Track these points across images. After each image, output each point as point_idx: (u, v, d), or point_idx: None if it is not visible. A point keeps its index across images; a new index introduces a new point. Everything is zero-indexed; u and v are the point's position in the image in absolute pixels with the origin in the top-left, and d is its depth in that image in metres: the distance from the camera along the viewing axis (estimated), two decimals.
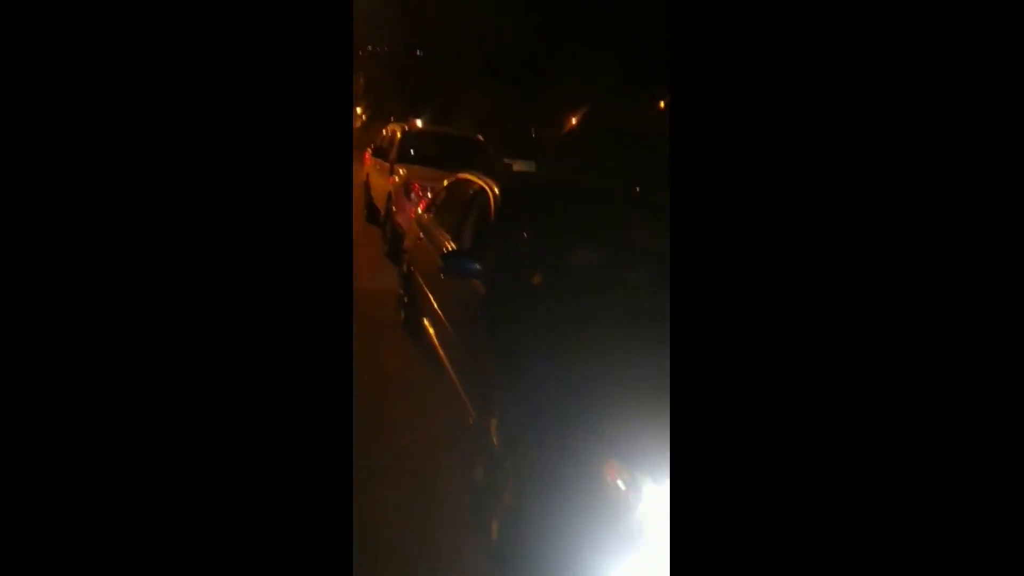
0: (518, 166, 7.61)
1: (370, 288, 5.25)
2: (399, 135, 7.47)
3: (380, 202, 7.26)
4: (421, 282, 3.71)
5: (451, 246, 3.11)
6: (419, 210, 4.72)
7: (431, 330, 3.53)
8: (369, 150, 8.61)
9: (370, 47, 34.88)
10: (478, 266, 2.66)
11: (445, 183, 4.30)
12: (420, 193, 5.89)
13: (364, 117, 37.31)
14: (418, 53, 30.42)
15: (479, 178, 3.55)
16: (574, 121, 21.17)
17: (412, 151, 7.17)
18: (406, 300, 4.19)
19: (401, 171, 6.47)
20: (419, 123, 8.28)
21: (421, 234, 4.02)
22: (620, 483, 1.52)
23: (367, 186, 8.42)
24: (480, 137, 7.97)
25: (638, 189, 3.99)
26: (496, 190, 3.21)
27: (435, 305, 3.32)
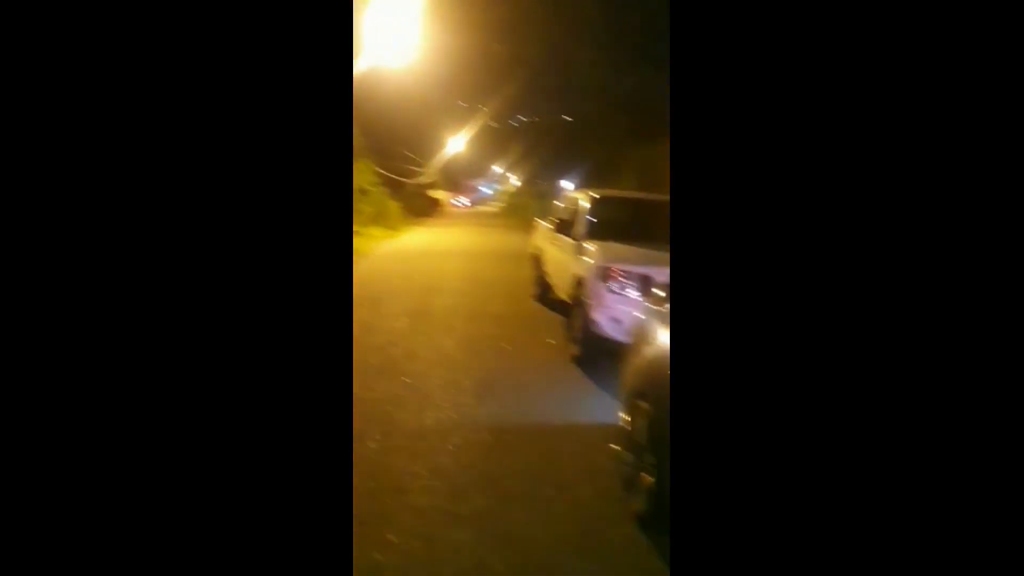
0: None
1: (560, 420, 3.70)
2: (585, 203, 5.92)
3: (559, 283, 5.84)
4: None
5: None
6: (642, 315, 3.13)
7: None
8: (541, 221, 7.35)
9: (523, 117, 35.66)
10: None
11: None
12: (624, 281, 4.35)
13: (519, 184, 37.89)
14: (565, 118, 30.26)
15: None
16: None
17: (597, 220, 5.65)
18: (639, 472, 2.57)
19: (591, 248, 4.97)
20: (569, 185, 6.89)
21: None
22: None
23: (538, 261, 7.12)
24: None
25: None
26: None
27: None
